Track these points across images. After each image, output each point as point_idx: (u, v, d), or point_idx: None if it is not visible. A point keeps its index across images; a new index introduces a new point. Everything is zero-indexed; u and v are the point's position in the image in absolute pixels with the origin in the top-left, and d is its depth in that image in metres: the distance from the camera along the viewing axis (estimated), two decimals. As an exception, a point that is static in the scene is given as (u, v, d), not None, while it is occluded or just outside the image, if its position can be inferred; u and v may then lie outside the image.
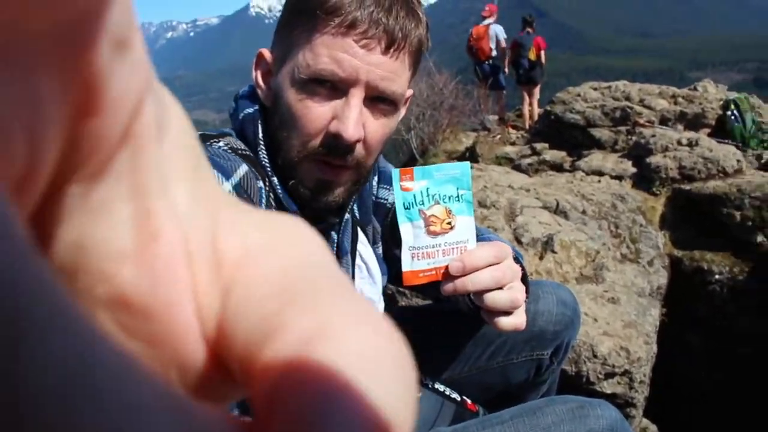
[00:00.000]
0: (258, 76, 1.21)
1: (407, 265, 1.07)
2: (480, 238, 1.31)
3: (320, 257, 0.19)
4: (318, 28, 1.04)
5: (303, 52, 1.06)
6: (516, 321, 1.15)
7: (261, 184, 1.10)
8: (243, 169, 1.06)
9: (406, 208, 1.04)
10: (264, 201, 1.10)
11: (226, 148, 1.10)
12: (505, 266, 1.12)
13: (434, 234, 1.06)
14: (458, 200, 1.07)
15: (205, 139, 1.12)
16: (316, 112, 1.07)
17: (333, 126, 1.07)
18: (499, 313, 1.14)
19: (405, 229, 1.05)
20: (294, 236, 0.20)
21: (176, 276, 0.17)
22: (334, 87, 1.06)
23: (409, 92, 1.24)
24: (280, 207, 1.15)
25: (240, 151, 1.12)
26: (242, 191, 1.04)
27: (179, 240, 0.18)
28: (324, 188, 1.14)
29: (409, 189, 1.04)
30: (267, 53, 1.19)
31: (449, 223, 1.07)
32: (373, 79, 1.06)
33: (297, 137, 1.10)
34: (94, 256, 0.16)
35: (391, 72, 1.07)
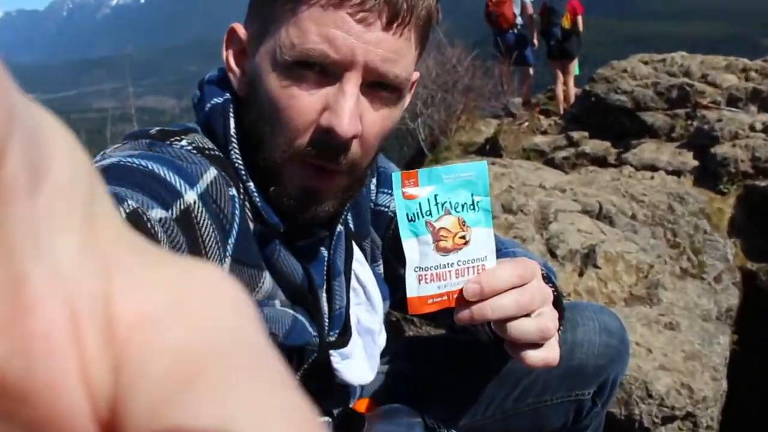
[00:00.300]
0: (229, 57, 1.20)
1: (413, 289, 1.05)
2: (501, 253, 1.29)
3: (238, 325, 0.20)
4: (305, 0, 1.04)
5: (286, 28, 1.06)
6: (547, 355, 1.12)
7: (234, 191, 1.10)
8: (211, 173, 1.06)
9: (410, 220, 1.02)
10: (238, 211, 1.10)
11: (189, 148, 1.10)
12: (533, 288, 1.10)
13: (445, 251, 1.04)
14: (473, 209, 1.05)
15: (165, 136, 1.11)
16: (304, 102, 1.06)
17: (324, 119, 1.06)
18: (526, 346, 1.11)
19: (409, 246, 1.03)
20: (208, 296, 0.20)
21: (57, 352, 0.17)
22: (325, 71, 1.06)
23: (416, 75, 1.23)
24: (258, 218, 1.14)
25: (208, 152, 1.12)
26: (210, 201, 1.03)
27: (60, 308, 0.18)
28: (312, 197, 1.13)
29: (413, 196, 1.02)
30: (241, 29, 1.19)
31: (463, 237, 1.05)
32: (372, 60, 1.05)
33: (280, 134, 1.09)
34: None
35: (393, 52, 1.07)
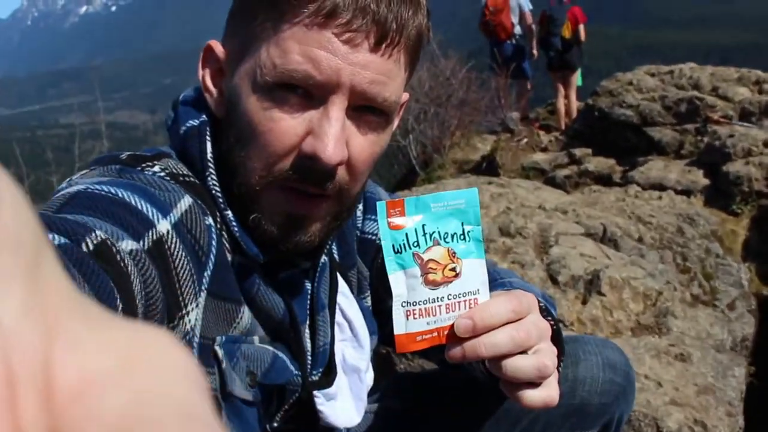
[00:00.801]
0: (206, 77, 1.20)
1: (400, 326, 1.04)
2: (496, 284, 1.32)
3: (184, 396, 0.20)
4: (287, 17, 1.04)
5: (267, 47, 1.06)
6: (546, 394, 1.12)
7: (210, 220, 1.10)
8: (186, 201, 1.05)
9: (396, 252, 1.02)
10: (215, 242, 1.09)
11: (162, 174, 1.09)
12: (529, 323, 1.10)
13: (434, 284, 1.03)
14: (464, 239, 1.06)
15: (136, 162, 1.11)
16: (285, 126, 1.07)
17: (307, 144, 1.06)
18: (523, 385, 1.11)
19: (396, 280, 1.02)
20: (155, 364, 0.20)
21: None
22: (309, 94, 1.06)
23: (405, 96, 1.24)
24: (237, 248, 1.15)
25: (182, 178, 1.12)
26: (185, 231, 1.03)
27: None
28: (295, 224, 1.13)
29: (399, 227, 1.02)
30: (218, 47, 1.19)
31: (453, 270, 1.05)
32: (359, 83, 1.06)
33: (259, 158, 1.09)
34: None
35: (381, 74, 1.07)
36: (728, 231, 4.42)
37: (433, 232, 1.03)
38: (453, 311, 1.05)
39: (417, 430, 1.59)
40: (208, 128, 1.17)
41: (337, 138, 1.05)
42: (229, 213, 1.14)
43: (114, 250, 0.85)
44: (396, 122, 1.24)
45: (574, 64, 10.74)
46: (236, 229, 1.13)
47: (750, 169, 4.80)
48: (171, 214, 1.01)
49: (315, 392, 1.26)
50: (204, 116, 1.19)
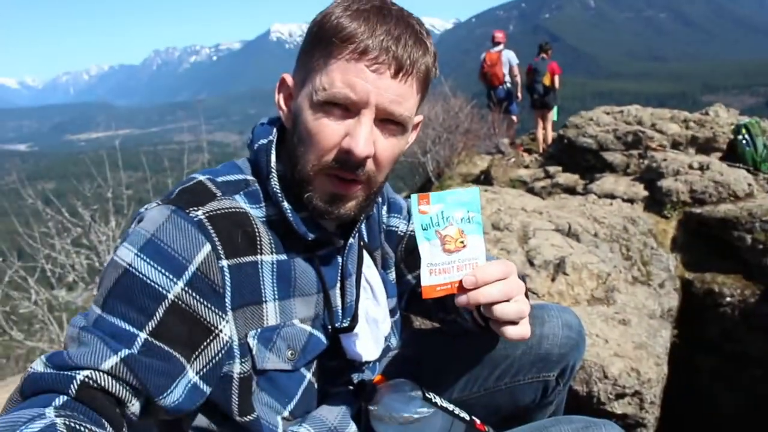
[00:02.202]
0: (280, 100, 1.27)
1: (426, 279, 1.13)
2: (489, 258, 1.38)
3: None
4: (334, 54, 1.11)
5: (320, 76, 1.13)
6: (522, 330, 1.20)
7: (224, 263, 1.14)
8: (204, 252, 1.10)
9: (424, 229, 1.12)
10: (227, 276, 1.14)
11: (203, 218, 1.13)
12: (512, 281, 1.19)
13: (449, 252, 1.13)
14: (469, 222, 1.15)
15: (192, 203, 1.15)
16: (330, 129, 1.13)
17: (345, 142, 1.13)
18: (506, 323, 1.19)
19: (424, 248, 1.12)
20: None
21: None
22: (347, 108, 1.12)
23: (419, 118, 1.29)
24: (288, 231, 1.21)
25: (223, 211, 1.16)
26: (202, 278, 1.09)
27: None
28: (337, 200, 1.19)
29: (426, 212, 1.12)
30: (289, 78, 1.25)
31: (462, 242, 1.14)
32: (383, 101, 1.11)
33: (312, 152, 1.15)
34: None
35: (399, 95, 1.13)
36: (661, 230, 4.37)
37: (449, 216, 1.13)
38: (461, 271, 1.14)
39: (425, 369, 1.60)
40: (273, 146, 1.24)
41: (366, 138, 1.12)
42: (286, 204, 1.20)
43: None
44: (413, 135, 1.31)
45: (550, 104, 10.74)
46: (291, 216, 1.20)
47: (678, 185, 4.74)
48: (186, 271, 1.08)
49: (342, 335, 1.30)
50: (271, 137, 1.26)
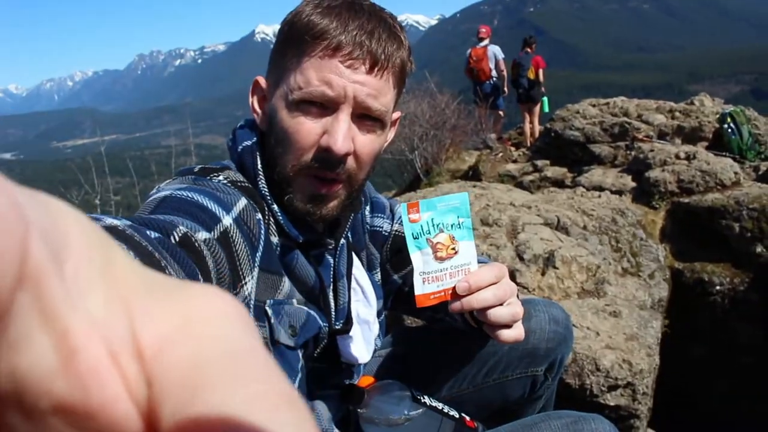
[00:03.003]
0: (254, 102, 1.26)
1: (419, 288, 1.12)
2: (479, 260, 1.37)
3: (233, 335, 0.22)
4: (307, 52, 1.10)
5: (294, 75, 1.11)
6: (516, 333, 1.20)
7: (259, 216, 1.14)
8: (242, 203, 1.10)
9: (414, 238, 1.11)
10: (263, 231, 1.13)
11: (225, 182, 1.14)
12: (505, 284, 1.19)
13: (441, 259, 1.13)
14: (459, 227, 1.14)
15: (205, 173, 1.15)
16: (308, 128, 1.12)
17: (324, 140, 1.11)
18: (500, 327, 1.19)
19: (415, 257, 1.12)
20: (209, 315, 0.22)
21: (103, 379, 0.19)
22: (324, 106, 1.11)
23: (396, 114, 1.29)
24: (282, 233, 1.18)
25: (239, 184, 1.16)
26: (242, 223, 1.07)
27: (98, 346, 0.20)
28: (318, 201, 1.17)
29: (416, 220, 1.11)
30: (262, 80, 1.24)
31: (453, 249, 1.13)
32: (360, 95, 1.10)
33: (291, 152, 1.14)
34: (29, 379, 0.19)
35: (375, 90, 1.12)
36: (649, 221, 4.39)
37: (439, 223, 1.13)
38: (454, 277, 1.14)
39: (414, 368, 1.60)
40: (257, 147, 1.22)
41: (344, 134, 1.10)
42: (275, 206, 1.18)
43: (193, 239, 0.89)
44: (391, 132, 1.30)
45: (536, 98, 10.76)
46: (281, 218, 1.18)
47: (665, 175, 4.76)
48: (232, 211, 1.05)
49: (338, 337, 1.29)
50: (254, 138, 1.24)
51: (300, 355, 1.22)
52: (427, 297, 1.14)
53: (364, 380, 1.42)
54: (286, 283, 1.17)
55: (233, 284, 1.03)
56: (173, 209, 0.96)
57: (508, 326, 1.19)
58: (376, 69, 1.11)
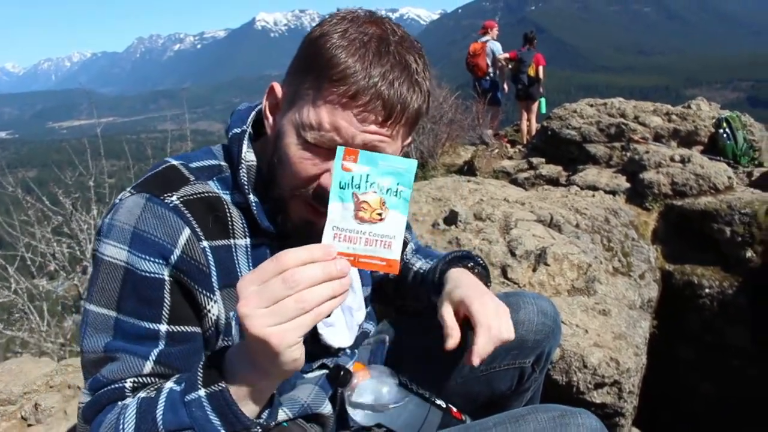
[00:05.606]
0: (266, 107, 1.27)
1: (327, 241, 0.98)
2: (429, 253, 1.59)
3: None
4: (324, 92, 1.11)
5: (308, 108, 1.13)
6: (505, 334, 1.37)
7: (204, 244, 1.19)
8: (184, 235, 1.15)
9: (341, 188, 0.98)
10: (209, 255, 1.19)
11: (177, 203, 1.17)
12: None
13: (361, 220, 0.99)
14: (396, 195, 1.01)
15: (163, 190, 1.18)
16: (311, 166, 1.16)
17: (324, 179, 1.15)
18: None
19: (333, 208, 0.98)
20: None
21: None
22: (331, 149, 1.11)
23: (407, 140, 1.28)
24: (253, 224, 1.24)
25: (219, 173, 1.25)
26: (187, 259, 1.14)
27: None
28: (309, 226, 1.20)
29: (349, 170, 0.98)
30: (278, 88, 1.25)
31: (379, 214, 1.00)
32: (369, 142, 1.12)
33: (290, 180, 1.18)
34: None
35: (382, 141, 1.14)
36: (642, 221, 4.39)
37: (374, 183, 0.99)
38: (369, 245, 1.00)
39: (403, 357, 1.61)
40: (246, 136, 1.27)
41: None
42: (251, 197, 1.23)
43: (169, 333, 1.15)
44: None
45: (535, 96, 10.76)
46: (255, 209, 1.23)
47: (660, 177, 4.77)
48: (173, 255, 1.13)
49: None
50: (245, 127, 1.29)
51: None
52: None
53: (355, 368, 1.42)
54: None
55: (198, 315, 1.19)
56: (137, 300, 1.12)
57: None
58: (389, 123, 1.12)
